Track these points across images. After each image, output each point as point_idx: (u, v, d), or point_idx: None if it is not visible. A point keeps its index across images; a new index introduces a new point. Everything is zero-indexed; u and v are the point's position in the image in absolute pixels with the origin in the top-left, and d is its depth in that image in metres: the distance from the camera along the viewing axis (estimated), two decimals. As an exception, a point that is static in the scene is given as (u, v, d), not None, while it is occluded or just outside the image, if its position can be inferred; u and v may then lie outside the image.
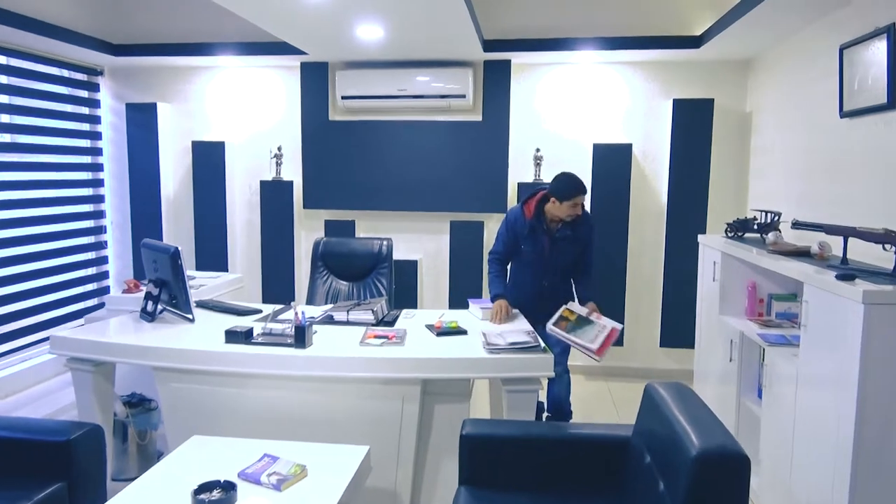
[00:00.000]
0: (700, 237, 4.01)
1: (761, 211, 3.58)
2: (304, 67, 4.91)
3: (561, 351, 3.28)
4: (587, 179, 4.63)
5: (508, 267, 3.48)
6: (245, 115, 5.14)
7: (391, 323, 3.12)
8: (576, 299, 3.43)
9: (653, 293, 4.79)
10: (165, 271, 3.08)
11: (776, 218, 3.44)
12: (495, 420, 2.66)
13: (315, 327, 2.95)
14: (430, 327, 3.01)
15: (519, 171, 4.85)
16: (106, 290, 5.27)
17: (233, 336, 2.73)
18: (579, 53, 4.51)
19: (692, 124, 4.54)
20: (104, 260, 5.33)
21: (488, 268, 3.43)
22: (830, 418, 2.32)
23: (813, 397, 2.48)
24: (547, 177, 4.78)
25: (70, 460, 2.24)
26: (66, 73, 4.91)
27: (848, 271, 2.33)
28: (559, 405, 3.36)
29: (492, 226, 4.91)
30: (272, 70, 5.06)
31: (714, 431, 1.75)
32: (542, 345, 2.69)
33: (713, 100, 4.53)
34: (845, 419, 2.21)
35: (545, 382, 3.32)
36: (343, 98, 4.78)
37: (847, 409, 2.20)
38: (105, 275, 5.35)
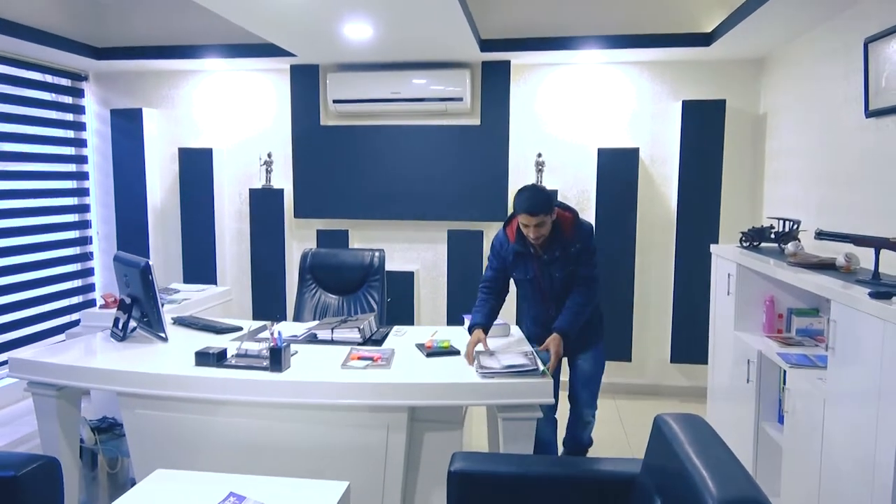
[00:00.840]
0: (713, 247, 3.76)
1: (778, 219, 3.34)
2: (294, 70, 4.70)
3: (591, 396, 3.02)
4: (591, 185, 4.43)
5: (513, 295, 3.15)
6: (233, 120, 4.93)
7: (379, 342, 2.90)
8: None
9: (663, 306, 4.53)
10: (136, 287, 2.87)
11: (795, 227, 3.19)
12: (489, 454, 2.42)
13: (296, 347, 2.74)
14: (420, 347, 2.78)
15: (520, 178, 4.60)
16: (92, 303, 5.07)
17: (203, 358, 2.51)
18: (582, 53, 4.28)
19: (703, 127, 4.29)
20: (90, 272, 5.14)
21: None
22: (866, 453, 2.07)
23: (845, 427, 2.23)
24: (549, 183, 4.55)
25: (17, 499, 2.02)
26: (49, 78, 4.73)
27: (882, 288, 2.08)
28: (580, 448, 3.12)
29: (491, 234, 4.67)
30: (261, 73, 4.85)
31: (734, 476, 1.52)
32: (541, 368, 2.45)
33: (725, 101, 4.27)
34: (884, 454, 1.96)
35: (563, 420, 3.09)
36: (335, 102, 4.56)
37: (887, 444, 1.95)
38: (91, 287, 5.15)
